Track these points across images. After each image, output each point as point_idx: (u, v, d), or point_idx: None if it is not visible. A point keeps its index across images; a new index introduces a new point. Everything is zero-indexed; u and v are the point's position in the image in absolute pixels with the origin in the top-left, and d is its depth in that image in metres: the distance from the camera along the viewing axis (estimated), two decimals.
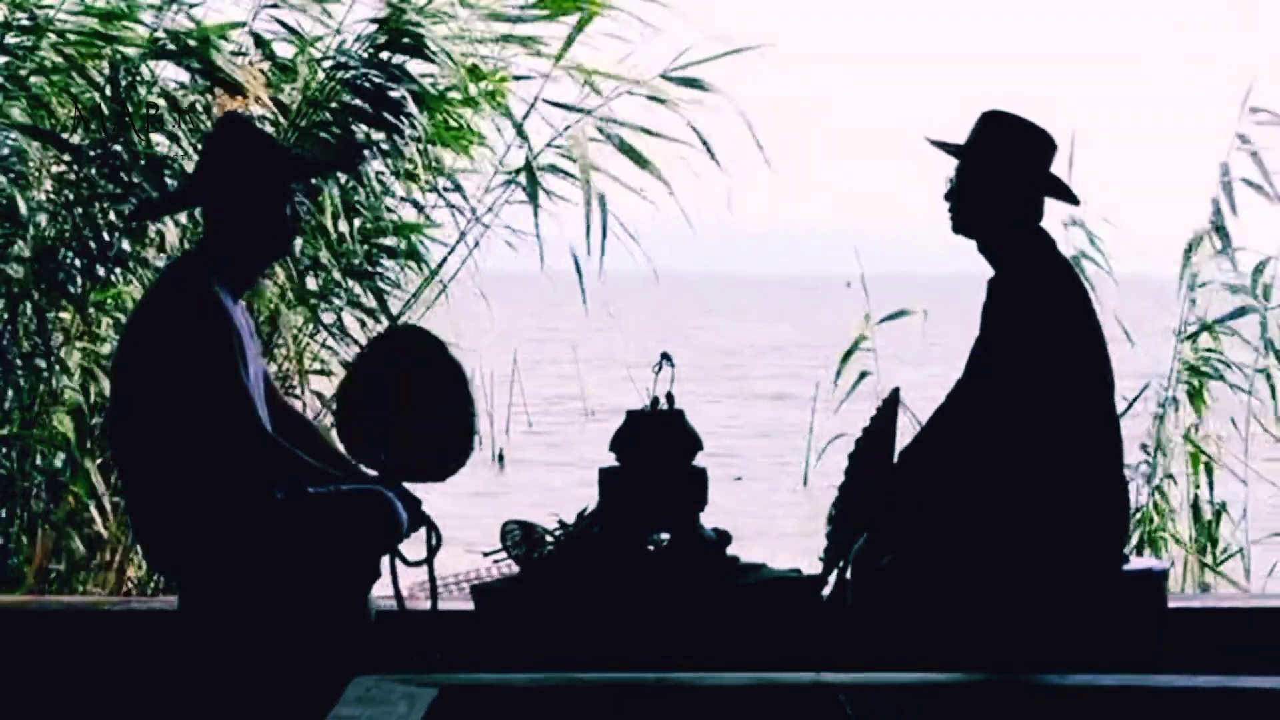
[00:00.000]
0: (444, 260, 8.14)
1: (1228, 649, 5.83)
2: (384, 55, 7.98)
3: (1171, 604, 5.67)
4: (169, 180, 7.62)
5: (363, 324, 8.02)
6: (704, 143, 7.96)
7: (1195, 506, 8.55)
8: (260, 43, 8.05)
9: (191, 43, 7.72)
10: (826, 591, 5.48)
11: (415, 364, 5.50)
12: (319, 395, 7.95)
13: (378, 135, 7.92)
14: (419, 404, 5.45)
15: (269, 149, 5.41)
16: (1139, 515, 8.36)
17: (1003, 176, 5.38)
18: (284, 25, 8.07)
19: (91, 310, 7.66)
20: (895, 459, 5.43)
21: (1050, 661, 5.08)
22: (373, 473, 5.40)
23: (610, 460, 5.56)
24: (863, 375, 8.71)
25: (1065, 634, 5.24)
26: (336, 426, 5.61)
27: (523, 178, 8.10)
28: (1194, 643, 5.72)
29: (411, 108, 7.83)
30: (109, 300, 7.68)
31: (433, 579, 5.44)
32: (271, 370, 6.63)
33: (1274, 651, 5.79)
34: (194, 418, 5.11)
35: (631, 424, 5.55)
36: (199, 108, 7.76)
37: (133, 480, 5.26)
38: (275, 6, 8.04)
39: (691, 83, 8.04)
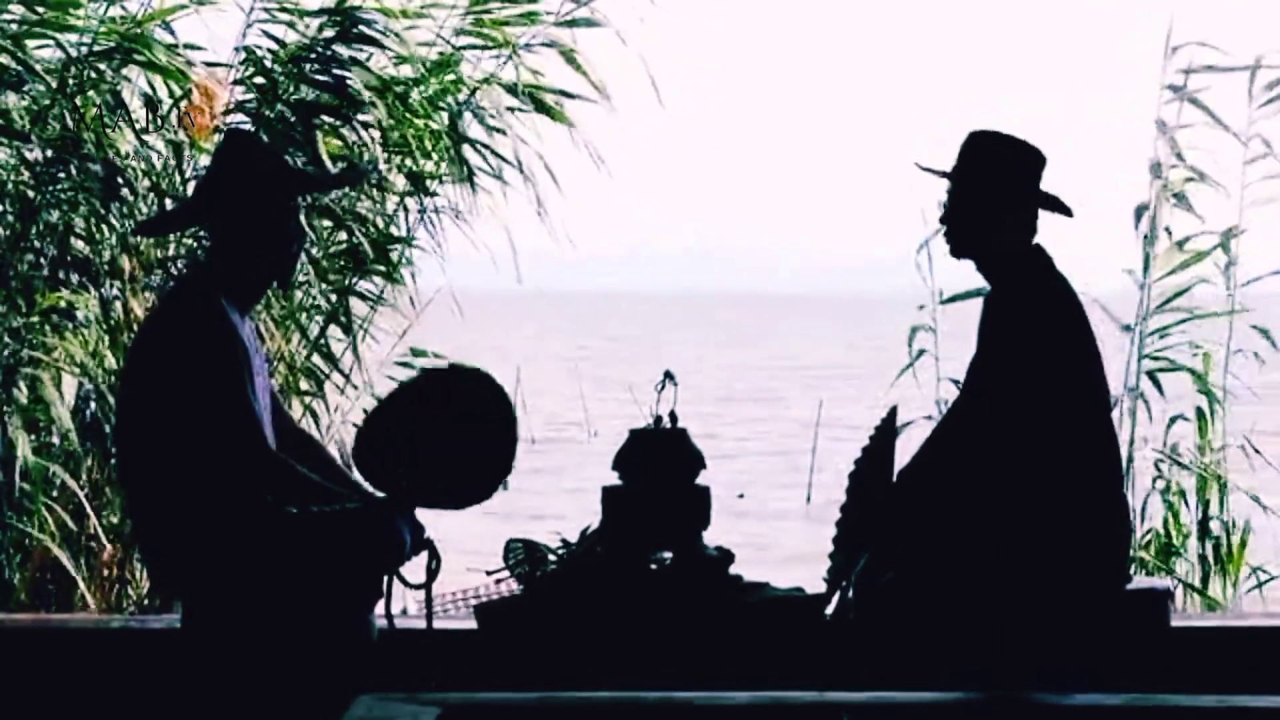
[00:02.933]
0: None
1: (1231, 668, 5.82)
2: (336, 47, 8.02)
3: (1174, 623, 5.67)
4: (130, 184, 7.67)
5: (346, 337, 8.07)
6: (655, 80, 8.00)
7: (1204, 525, 8.52)
8: (252, 59, 8.08)
9: (136, 32, 7.74)
10: (830, 610, 5.49)
11: (467, 402, 5.44)
12: (312, 412, 7.97)
13: (336, 127, 7.96)
14: (455, 435, 5.39)
15: (273, 165, 5.41)
16: (1149, 534, 8.35)
17: (992, 195, 5.38)
18: (273, 39, 8.11)
19: (46, 314, 7.68)
20: (894, 477, 5.43)
21: (1053, 681, 5.08)
22: (379, 494, 5.38)
23: (613, 479, 5.56)
24: (920, 353, 8.72)
25: (1068, 653, 5.24)
26: (359, 439, 5.55)
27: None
28: (1197, 662, 5.71)
29: (365, 95, 7.86)
30: (65, 303, 7.69)
31: (429, 603, 5.43)
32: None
33: (1277, 670, 5.78)
34: (200, 435, 5.11)
35: (634, 443, 5.55)
36: (164, 111, 7.79)
37: (138, 497, 5.27)
38: (267, 21, 8.08)
39: (585, 23, 8.10)
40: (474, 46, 8.23)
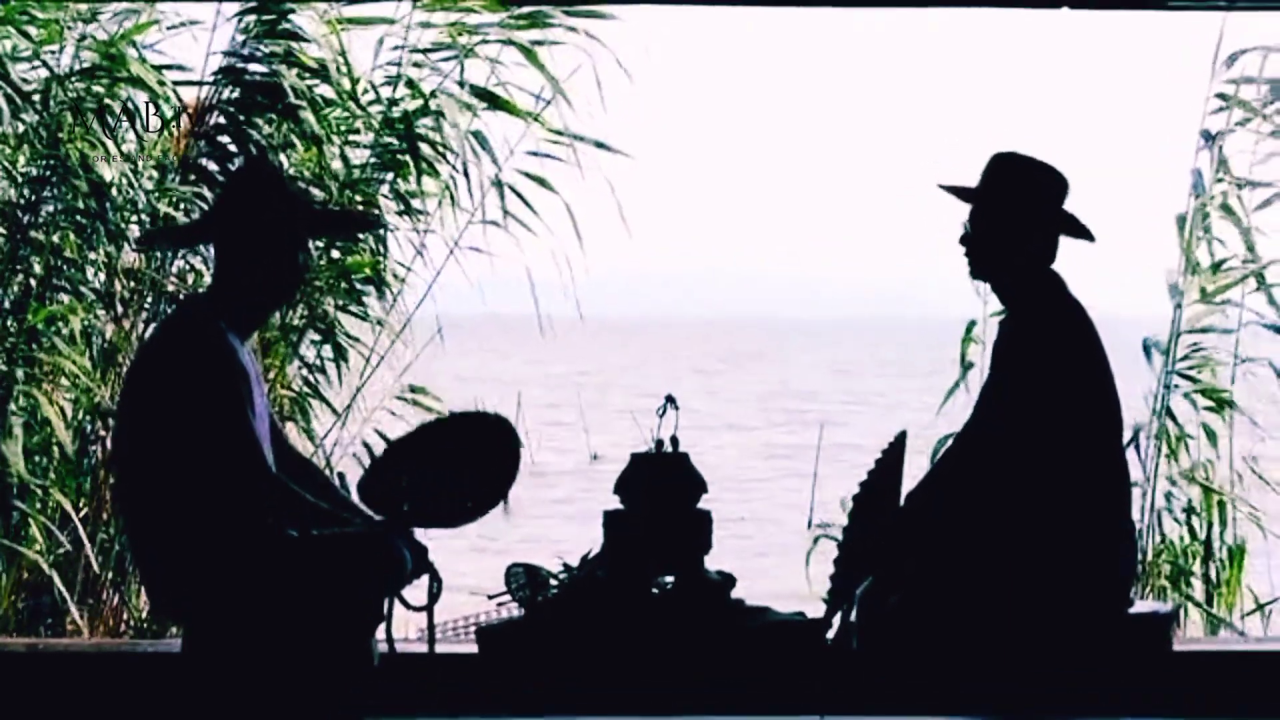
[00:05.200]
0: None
1: (1232, 692, 5.81)
2: (265, 46, 8.01)
3: (1176, 647, 5.66)
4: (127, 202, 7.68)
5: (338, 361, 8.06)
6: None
7: (1207, 546, 8.50)
8: (226, 78, 8.08)
9: (112, 52, 7.75)
10: (830, 635, 5.48)
11: (480, 442, 5.46)
12: (308, 433, 7.96)
13: (272, 129, 7.95)
14: (459, 464, 5.41)
15: (289, 196, 5.41)
16: (1160, 554, 8.33)
17: (1015, 219, 5.39)
18: (240, 56, 8.10)
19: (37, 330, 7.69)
20: (902, 501, 5.42)
21: (1057, 705, 5.07)
22: (377, 517, 5.38)
23: (615, 503, 5.55)
24: (969, 367, 8.65)
25: (1072, 676, 5.23)
26: (372, 463, 5.55)
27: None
28: (1199, 686, 5.70)
29: (293, 92, 7.86)
30: (57, 317, 7.69)
31: (431, 626, 5.42)
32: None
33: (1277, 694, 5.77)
34: (200, 458, 5.10)
35: (635, 467, 5.54)
36: (146, 130, 7.81)
37: (138, 520, 5.26)
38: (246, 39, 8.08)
39: (543, 19, 8.06)
40: (437, 48, 8.19)
